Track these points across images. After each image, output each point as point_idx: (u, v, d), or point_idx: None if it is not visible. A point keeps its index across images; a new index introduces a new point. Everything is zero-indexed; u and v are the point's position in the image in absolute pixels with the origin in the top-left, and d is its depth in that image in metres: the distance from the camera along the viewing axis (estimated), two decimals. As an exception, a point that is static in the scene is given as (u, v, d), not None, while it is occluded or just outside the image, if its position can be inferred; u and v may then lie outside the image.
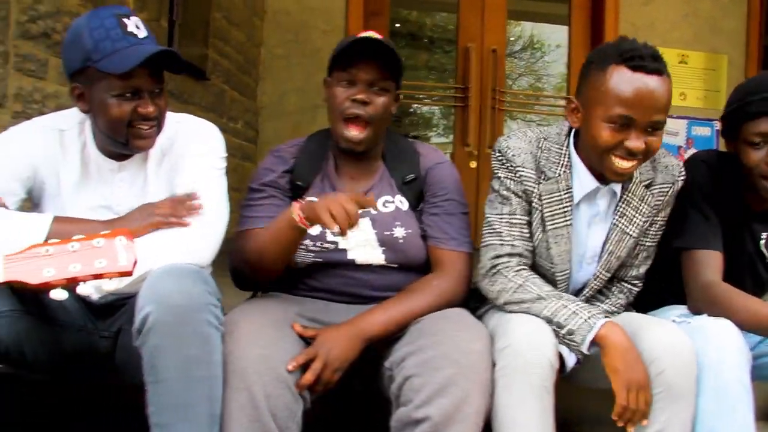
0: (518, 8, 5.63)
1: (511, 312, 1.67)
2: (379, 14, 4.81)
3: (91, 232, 1.31)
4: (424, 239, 1.79)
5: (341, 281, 1.75)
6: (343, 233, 1.49)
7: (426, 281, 1.74)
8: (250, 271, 1.71)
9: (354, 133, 1.73)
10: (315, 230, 1.71)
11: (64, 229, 1.45)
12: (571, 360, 1.63)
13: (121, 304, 1.67)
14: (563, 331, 1.59)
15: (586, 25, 5.15)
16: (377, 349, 1.64)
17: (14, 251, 1.20)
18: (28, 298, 1.52)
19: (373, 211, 1.58)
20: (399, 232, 1.76)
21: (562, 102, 5.59)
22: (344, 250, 1.74)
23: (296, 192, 1.80)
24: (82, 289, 1.22)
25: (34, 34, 2.51)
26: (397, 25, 5.49)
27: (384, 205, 1.80)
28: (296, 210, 1.57)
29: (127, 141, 1.59)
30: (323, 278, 1.76)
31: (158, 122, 1.62)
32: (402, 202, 1.81)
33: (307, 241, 1.73)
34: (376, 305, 1.68)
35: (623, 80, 1.57)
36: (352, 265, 1.75)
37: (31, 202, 1.68)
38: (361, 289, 1.76)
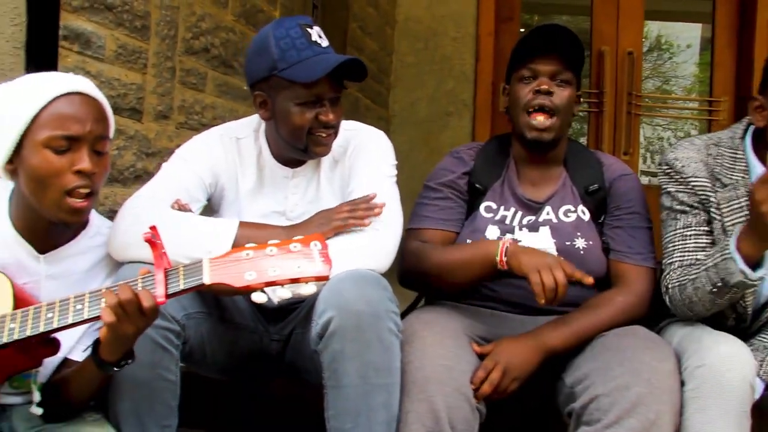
0: (654, 8, 5.38)
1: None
2: (510, 20, 4.73)
3: (274, 237, 1.35)
4: (605, 252, 1.73)
5: (516, 292, 1.71)
6: (548, 303, 1.48)
7: (608, 296, 1.68)
8: (423, 280, 1.70)
9: (540, 119, 1.70)
10: (494, 235, 1.71)
11: (249, 234, 1.48)
12: (760, 386, 1.51)
13: (292, 309, 1.70)
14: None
15: (732, 22, 4.82)
16: (553, 363, 1.59)
17: (218, 255, 1.24)
18: (210, 300, 1.58)
19: (586, 281, 1.54)
20: (580, 243, 1.71)
21: (692, 104, 5.27)
22: None
23: (473, 194, 1.78)
24: (257, 297, 1.23)
25: (196, 50, 2.64)
26: (525, 30, 5.40)
27: (566, 214, 1.76)
28: (501, 250, 1.55)
29: (306, 148, 1.62)
30: (497, 287, 1.73)
31: (335, 129, 1.64)
32: (584, 213, 1.76)
33: None
34: (557, 318, 1.64)
35: None
36: None
37: (210, 209, 1.75)
38: (536, 302, 1.71)
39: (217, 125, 2.67)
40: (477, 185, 1.79)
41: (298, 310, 1.68)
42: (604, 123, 4.69)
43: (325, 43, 1.60)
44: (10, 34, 1.85)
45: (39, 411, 1.39)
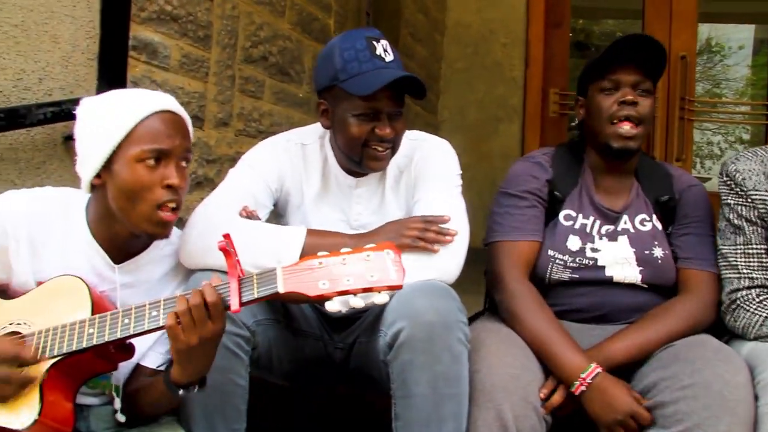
0: (708, 10, 5.27)
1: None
2: (560, 25, 4.69)
3: (341, 246, 1.34)
4: (674, 262, 1.72)
5: (591, 300, 1.71)
6: None
7: (670, 306, 1.66)
8: (503, 316, 1.68)
9: (627, 127, 1.69)
10: (575, 245, 1.71)
11: (317, 242, 1.49)
12: None
13: (355, 317, 1.71)
14: None
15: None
16: (620, 373, 1.57)
17: (290, 263, 1.24)
18: (278, 307, 1.61)
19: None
20: (658, 252, 1.72)
21: (743, 107, 5.14)
22: (603, 267, 1.70)
23: (552, 202, 1.76)
24: (331, 306, 1.20)
25: (254, 58, 2.69)
26: (572, 34, 5.34)
27: (642, 223, 1.76)
28: (587, 376, 1.52)
29: (361, 160, 1.63)
30: (572, 298, 1.72)
31: (393, 145, 1.63)
32: (657, 223, 1.77)
33: (566, 257, 1.70)
34: (619, 331, 1.63)
35: None
36: (607, 283, 1.70)
37: (276, 214, 1.77)
38: (611, 310, 1.70)
39: (274, 132, 2.73)
40: (556, 193, 1.77)
41: (362, 318, 1.68)
42: (656, 129, 4.61)
43: (390, 57, 1.60)
44: (85, 46, 1.91)
45: (123, 418, 1.42)
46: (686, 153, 4.61)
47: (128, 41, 2.04)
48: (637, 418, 1.48)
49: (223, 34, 2.48)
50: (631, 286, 1.70)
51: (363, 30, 1.64)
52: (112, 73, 1.97)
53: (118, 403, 1.43)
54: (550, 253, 1.71)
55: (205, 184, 2.47)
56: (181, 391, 1.31)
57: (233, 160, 2.57)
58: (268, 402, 1.61)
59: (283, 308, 1.62)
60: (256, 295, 1.23)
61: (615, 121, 1.69)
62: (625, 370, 1.59)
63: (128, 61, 2.05)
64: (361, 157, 1.62)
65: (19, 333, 1.34)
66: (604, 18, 5.52)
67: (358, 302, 1.20)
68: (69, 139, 1.87)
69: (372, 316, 1.64)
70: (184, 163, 1.41)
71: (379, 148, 1.61)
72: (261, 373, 1.67)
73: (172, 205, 1.38)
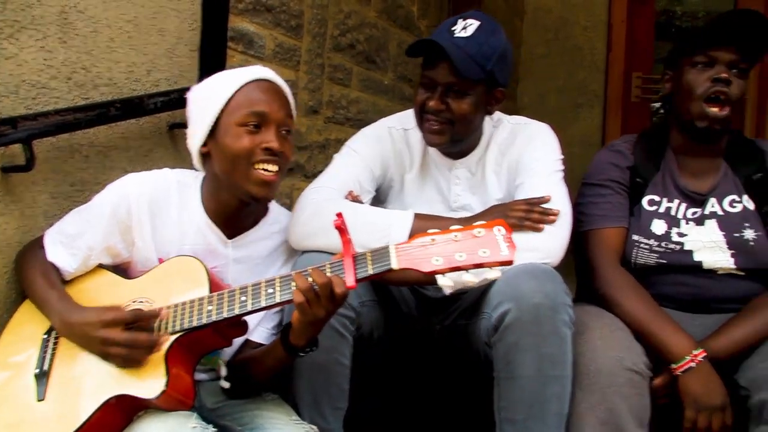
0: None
1: None
2: (644, 5, 4.54)
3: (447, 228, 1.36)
4: None
5: (683, 289, 1.68)
6: None
7: None
8: (601, 302, 1.66)
9: (715, 110, 1.64)
10: (660, 229, 1.67)
11: (425, 225, 1.49)
12: None
13: (454, 299, 1.73)
14: None
15: None
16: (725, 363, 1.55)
17: (402, 241, 1.26)
18: (380, 288, 1.64)
19: None
20: (749, 234, 1.65)
21: None
22: (690, 252, 1.66)
23: (635, 189, 1.74)
24: (444, 281, 1.21)
25: (343, 46, 2.72)
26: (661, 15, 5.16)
27: (731, 204, 1.70)
28: (688, 362, 1.52)
29: (423, 133, 1.70)
30: (663, 284, 1.69)
31: (453, 122, 1.64)
32: (749, 202, 1.69)
33: (651, 241, 1.67)
34: (721, 326, 1.60)
35: None
36: (697, 269, 1.66)
37: (377, 198, 1.80)
38: (705, 299, 1.67)
39: (361, 120, 2.76)
40: (638, 179, 1.75)
41: (461, 300, 1.70)
42: (746, 107, 4.39)
43: (464, 33, 1.60)
44: (188, 38, 1.99)
45: (227, 384, 1.49)
46: (777, 135, 4.40)
47: (227, 32, 2.11)
48: (726, 414, 1.47)
49: (313, 23, 2.53)
50: (727, 275, 1.66)
51: (467, 13, 1.65)
52: (212, 63, 2.04)
53: (224, 371, 1.50)
54: (635, 237, 1.69)
55: (297, 171, 2.53)
56: (301, 354, 1.39)
57: (323, 147, 2.63)
58: (364, 383, 1.64)
59: (384, 289, 1.65)
60: (371, 272, 1.26)
61: (705, 99, 1.64)
62: (730, 361, 1.56)
63: (227, 51, 2.12)
64: (422, 129, 1.67)
65: (141, 311, 1.42)
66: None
67: (470, 278, 1.20)
68: (174, 127, 1.96)
69: (472, 298, 1.66)
70: (284, 131, 1.47)
71: (431, 121, 1.63)
72: (362, 353, 1.71)
73: (272, 167, 1.44)
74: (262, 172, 1.43)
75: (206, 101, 1.47)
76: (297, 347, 1.38)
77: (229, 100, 1.45)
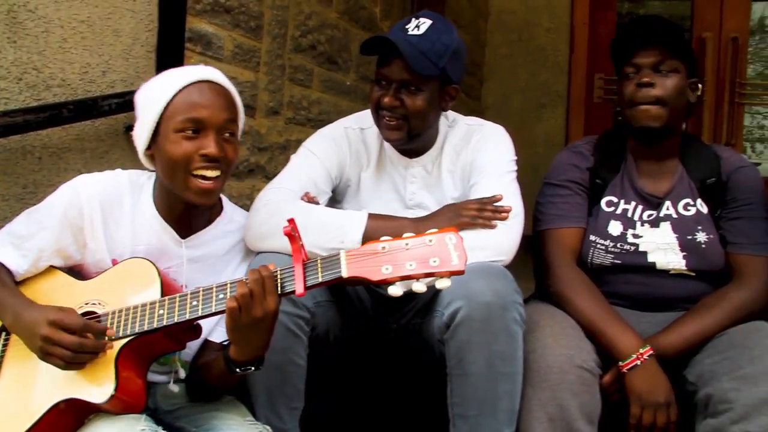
0: (762, -12, 5.10)
1: None
2: (606, 8, 4.62)
3: (401, 229, 1.37)
4: (723, 246, 1.70)
5: (636, 288, 1.71)
6: None
7: (722, 294, 1.65)
8: (554, 299, 1.70)
9: (644, 107, 1.69)
10: (616, 230, 1.71)
11: (378, 225, 1.53)
12: None
13: (409, 299, 1.74)
14: None
15: None
16: (674, 360, 1.59)
17: (353, 248, 1.26)
18: (335, 289, 1.64)
19: None
20: (701, 237, 1.70)
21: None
22: (644, 253, 1.70)
23: (594, 190, 1.77)
24: (394, 290, 1.21)
25: (303, 47, 2.73)
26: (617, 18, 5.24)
27: (685, 208, 1.74)
28: (634, 359, 1.55)
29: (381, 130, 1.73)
30: (617, 283, 1.73)
31: (407, 118, 1.66)
32: (702, 206, 1.74)
33: (607, 242, 1.71)
34: (672, 323, 1.64)
35: None
36: (650, 269, 1.70)
37: (333, 198, 1.80)
38: (657, 297, 1.71)
39: (322, 120, 2.77)
40: (598, 180, 1.78)
41: (417, 299, 1.72)
42: (704, 113, 4.52)
43: (416, 31, 1.62)
44: (144, 39, 1.98)
45: (176, 388, 1.48)
46: (736, 137, 4.51)
47: (185, 33, 2.10)
48: (671, 411, 1.51)
49: (273, 24, 2.53)
50: (679, 275, 1.70)
51: (422, 12, 1.68)
52: (169, 65, 2.03)
53: (182, 374, 1.48)
54: (592, 238, 1.73)
55: (257, 172, 2.53)
56: (238, 370, 1.34)
57: (284, 148, 2.63)
58: (320, 383, 1.65)
59: (340, 290, 1.66)
60: (320, 279, 1.25)
61: (635, 104, 1.69)
62: (679, 357, 1.59)
63: (184, 52, 2.11)
64: (379, 126, 1.69)
65: (94, 312, 1.40)
66: (652, 0, 5.40)
67: (420, 287, 1.20)
68: (130, 129, 1.94)
69: (426, 297, 1.67)
70: (227, 135, 1.43)
71: (387, 117, 1.65)
72: (317, 353, 1.71)
73: (211, 173, 1.41)
74: (200, 181, 1.41)
75: (148, 105, 1.44)
76: (236, 362, 1.34)
77: (168, 104, 1.41)
